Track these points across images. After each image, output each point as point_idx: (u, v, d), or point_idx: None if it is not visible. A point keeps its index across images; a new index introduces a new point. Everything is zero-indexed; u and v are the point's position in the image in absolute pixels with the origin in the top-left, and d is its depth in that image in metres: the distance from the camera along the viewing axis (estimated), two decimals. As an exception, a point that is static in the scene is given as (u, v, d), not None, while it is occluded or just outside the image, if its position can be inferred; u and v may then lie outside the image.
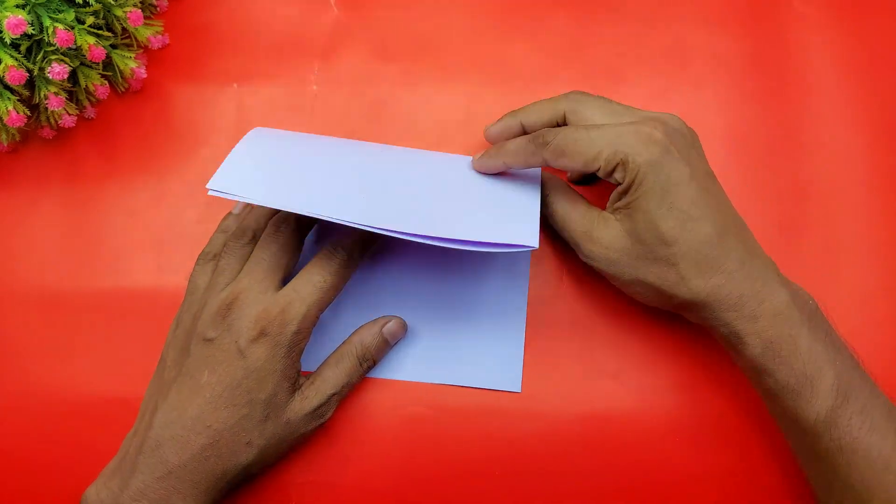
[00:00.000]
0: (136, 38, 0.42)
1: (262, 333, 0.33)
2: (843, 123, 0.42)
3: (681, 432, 0.38)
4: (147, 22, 0.42)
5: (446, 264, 0.40)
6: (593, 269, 0.36)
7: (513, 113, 0.39)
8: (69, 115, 0.40)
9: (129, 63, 0.41)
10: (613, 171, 0.33)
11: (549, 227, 0.39)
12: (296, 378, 0.35)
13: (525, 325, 0.39)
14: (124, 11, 0.40)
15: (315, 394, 0.36)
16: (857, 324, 0.39)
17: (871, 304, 0.40)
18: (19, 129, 0.40)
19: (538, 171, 0.38)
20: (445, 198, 0.36)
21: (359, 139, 0.42)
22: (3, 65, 0.36)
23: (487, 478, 0.38)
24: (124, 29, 0.41)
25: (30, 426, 0.39)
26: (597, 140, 0.33)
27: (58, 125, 0.41)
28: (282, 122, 0.43)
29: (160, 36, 0.43)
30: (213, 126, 0.43)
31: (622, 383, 0.39)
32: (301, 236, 0.37)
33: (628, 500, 0.38)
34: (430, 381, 0.39)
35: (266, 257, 0.35)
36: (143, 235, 0.42)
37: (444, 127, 0.43)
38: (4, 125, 0.39)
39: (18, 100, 0.38)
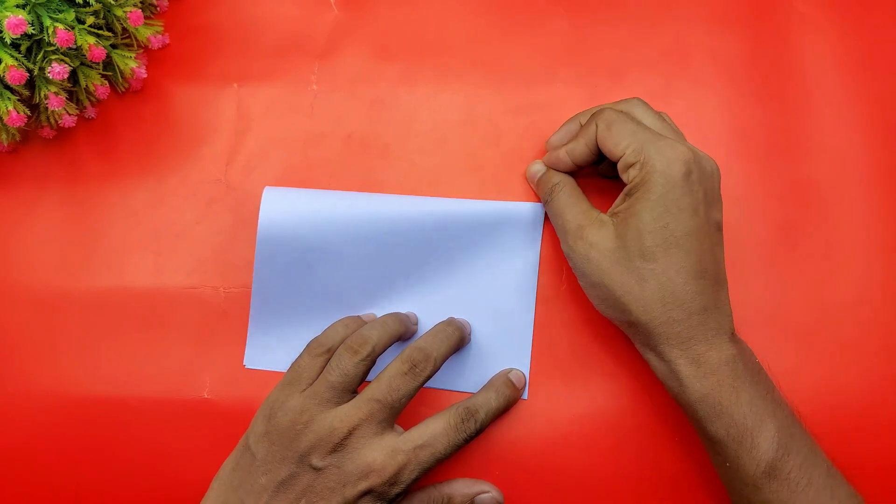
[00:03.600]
0: (136, 38, 0.42)
1: (370, 489, 0.32)
2: (843, 123, 0.42)
3: (683, 431, 0.38)
4: (147, 22, 0.42)
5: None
6: None
7: (573, 117, 0.39)
8: (69, 115, 0.40)
9: (129, 63, 0.41)
10: (630, 166, 0.34)
11: (549, 229, 0.39)
12: None
13: (532, 335, 0.39)
14: (124, 11, 0.40)
15: None
16: (857, 324, 0.39)
17: (871, 304, 0.40)
18: (19, 129, 0.40)
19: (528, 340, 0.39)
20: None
21: (359, 139, 0.42)
22: (3, 65, 0.36)
23: (488, 478, 0.38)
24: (124, 29, 0.41)
25: (29, 426, 0.39)
26: (637, 133, 0.34)
27: (58, 125, 0.41)
28: (282, 122, 0.43)
29: (160, 36, 0.43)
30: (213, 126, 0.43)
31: (620, 382, 0.39)
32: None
33: (631, 500, 0.38)
34: (437, 388, 0.39)
35: (389, 400, 0.33)
36: (143, 235, 0.42)
37: (443, 127, 0.43)
38: (4, 125, 0.39)
39: (18, 100, 0.38)
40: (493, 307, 0.40)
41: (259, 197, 0.40)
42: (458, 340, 0.37)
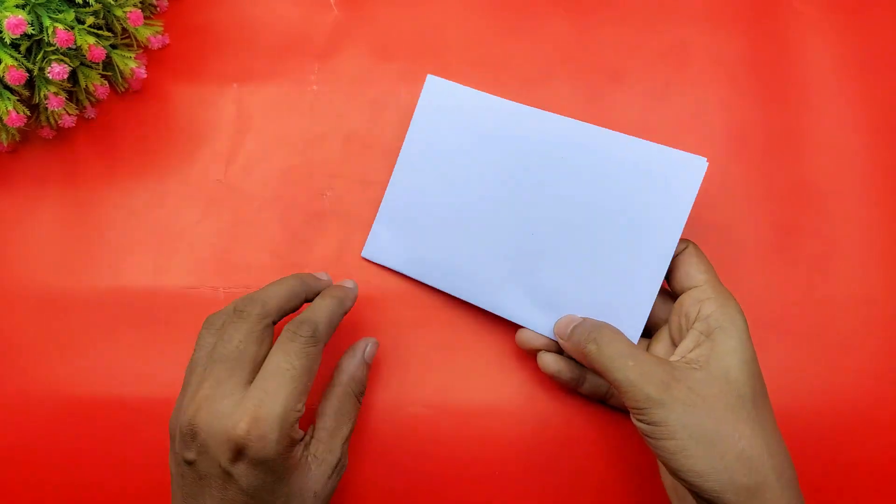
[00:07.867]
0: (136, 38, 0.42)
1: (239, 454, 0.29)
2: (843, 123, 0.42)
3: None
4: (147, 22, 0.42)
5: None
6: None
7: None
8: (69, 115, 0.40)
9: (129, 63, 0.41)
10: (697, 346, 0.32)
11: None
12: (300, 460, 0.31)
13: (653, 302, 0.36)
14: (124, 11, 0.40)
15: (329, 452, 0.32)
16: (857, 324, 0.39)
17: (871, 304, 0.40)
18: (19, 129, 0.40)
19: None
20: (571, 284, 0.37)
21: (359, 139, 0.42)
22: (3, 65, 0.36)
23: (488, 478, 0.38)
24: (124, 29, 0.41)
25: (29, 426, 0.39)
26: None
27: (58, 125, 0.41)
28: (282, 122, 0.43)
29: (160, 36, 0.43)
30: (213, 126, 0.43)
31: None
32: (272, 318, 0.33)
33: (629, 500, 0.38)
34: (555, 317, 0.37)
35: (227, 352, 0.31)
36: (143, 235, 0.42)
37: (443, 127, 0.43)
38: (4, 125, 0.39)
39: (18, 100, 0.38)
40: (619, 259, 0.36)
41: (259, 197, 0.40)
42: (292, 288, 0.34)
